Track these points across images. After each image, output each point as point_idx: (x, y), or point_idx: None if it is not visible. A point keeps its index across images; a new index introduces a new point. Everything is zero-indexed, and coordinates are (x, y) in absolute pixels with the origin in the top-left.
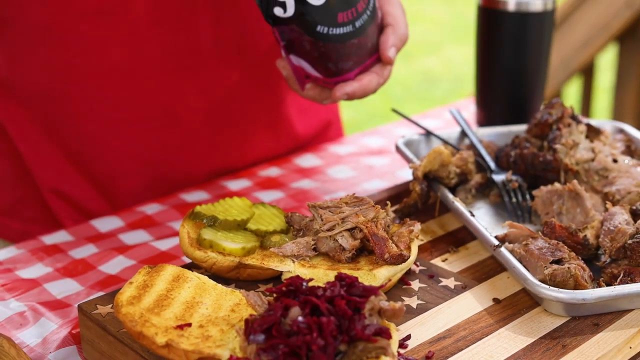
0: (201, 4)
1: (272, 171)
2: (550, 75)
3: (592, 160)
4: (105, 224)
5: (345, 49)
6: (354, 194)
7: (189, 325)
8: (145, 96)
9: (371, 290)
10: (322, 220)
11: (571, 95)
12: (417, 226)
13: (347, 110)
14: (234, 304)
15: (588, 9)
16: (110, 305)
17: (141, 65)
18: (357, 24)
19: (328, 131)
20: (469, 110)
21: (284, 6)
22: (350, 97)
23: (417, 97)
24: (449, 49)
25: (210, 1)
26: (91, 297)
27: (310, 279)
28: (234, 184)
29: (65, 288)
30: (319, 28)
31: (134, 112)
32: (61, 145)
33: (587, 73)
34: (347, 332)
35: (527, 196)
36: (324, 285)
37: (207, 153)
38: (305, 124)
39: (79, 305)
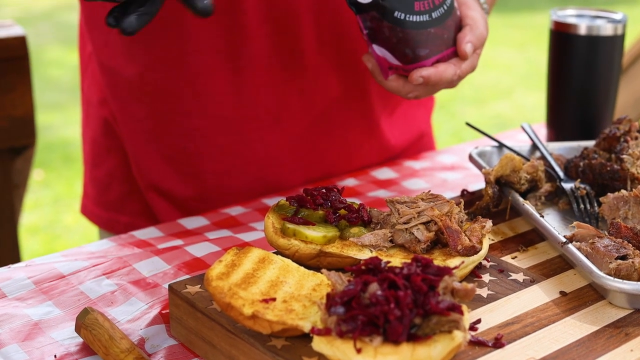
0: (304, 7)
1: (349, 182)
2: (620, 114)
3: None
4: (192, 222)
5: (422, 36)
6: (429, 190)
7: (274, 300)
8: (250, 94)
9: (445, 270)
10: (399, 214)
11: None
12: (489, 223)
13: None
14: (316, 285)
15: None
16: (199, 286)
17: (247, 63)
18: (434, 14)
19: (421, 143)
20: (540, 132)
21: None
22: (426, 80)
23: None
24: (521, 94)
25: (311, 4)
26: (180, 279)
27: (389, 261)
28: None
29: (153, 267)
30: (396, 14)
31: (239, 109)
32: (167, 141)
33: None
34: (422, 306)
35: (595, 203)
36: (400, 266)
37: (306, 157)
38: (399, 136)
39: (169, 285)
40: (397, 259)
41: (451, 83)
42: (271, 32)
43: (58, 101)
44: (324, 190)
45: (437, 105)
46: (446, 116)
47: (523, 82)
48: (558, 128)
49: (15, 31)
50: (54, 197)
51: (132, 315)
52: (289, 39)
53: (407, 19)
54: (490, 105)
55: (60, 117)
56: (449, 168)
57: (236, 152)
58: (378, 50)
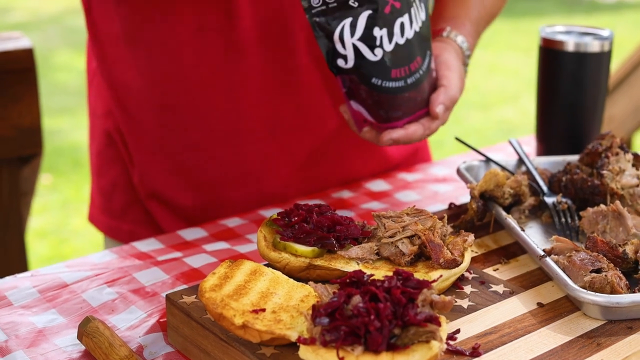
0: (298, 24)
1: (344, 194)
2: (620, 122)
3: (637, 185)
4: (191, 234)
5: (397, 100)
6: (414, 206)
7: (263, 310)
8: (247, 109)
9: (424, 284)
10: (385, 228)
11: None
12: (471, 237)
13: None
14: (304, 296)
15: None
16: (194, 296)
17: (245, 79)
18: (409, 80)
19: (417, 155)
20: (531, 145)
21: (345, 59)
22: (395, 142)
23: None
24: (526, 99)
25: (305, 22)
26: (177, 289)
27: (372, 275)
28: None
29: (152, 277)
30: (373, 80)
31: (237, 123)
32: (171, 153)
33: None
34: (401, 317)
35: (576, 217)
36: (382, 279)
37: (302, 170)
38: (394, 148)
39: (166, 295)
40: (382, 271)
41: (419, 140)
42: (266, 50)
43: (66, 105)
44: (316, 208)
45: None
46: (451, 121)
47: (529, 88)
48: (547, 142)
49: (22, 43)
50: (62, 201)
51: (132, 323)
52: (283, 56)
53: (383, 85)
54: (496, 111)
55: (68, 121)
56: (441, 180)
57: (233, 164)
58: (354, 105)
